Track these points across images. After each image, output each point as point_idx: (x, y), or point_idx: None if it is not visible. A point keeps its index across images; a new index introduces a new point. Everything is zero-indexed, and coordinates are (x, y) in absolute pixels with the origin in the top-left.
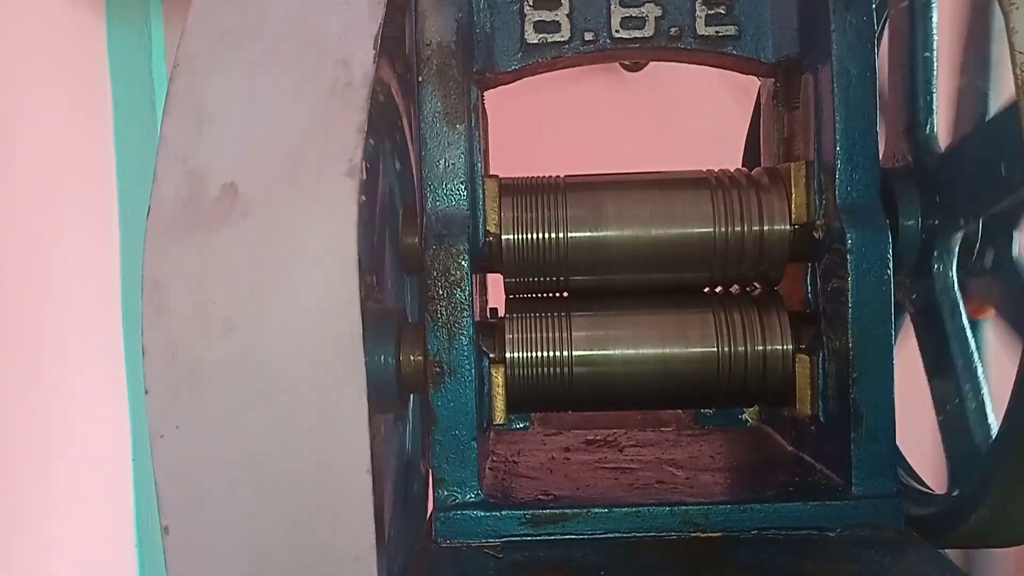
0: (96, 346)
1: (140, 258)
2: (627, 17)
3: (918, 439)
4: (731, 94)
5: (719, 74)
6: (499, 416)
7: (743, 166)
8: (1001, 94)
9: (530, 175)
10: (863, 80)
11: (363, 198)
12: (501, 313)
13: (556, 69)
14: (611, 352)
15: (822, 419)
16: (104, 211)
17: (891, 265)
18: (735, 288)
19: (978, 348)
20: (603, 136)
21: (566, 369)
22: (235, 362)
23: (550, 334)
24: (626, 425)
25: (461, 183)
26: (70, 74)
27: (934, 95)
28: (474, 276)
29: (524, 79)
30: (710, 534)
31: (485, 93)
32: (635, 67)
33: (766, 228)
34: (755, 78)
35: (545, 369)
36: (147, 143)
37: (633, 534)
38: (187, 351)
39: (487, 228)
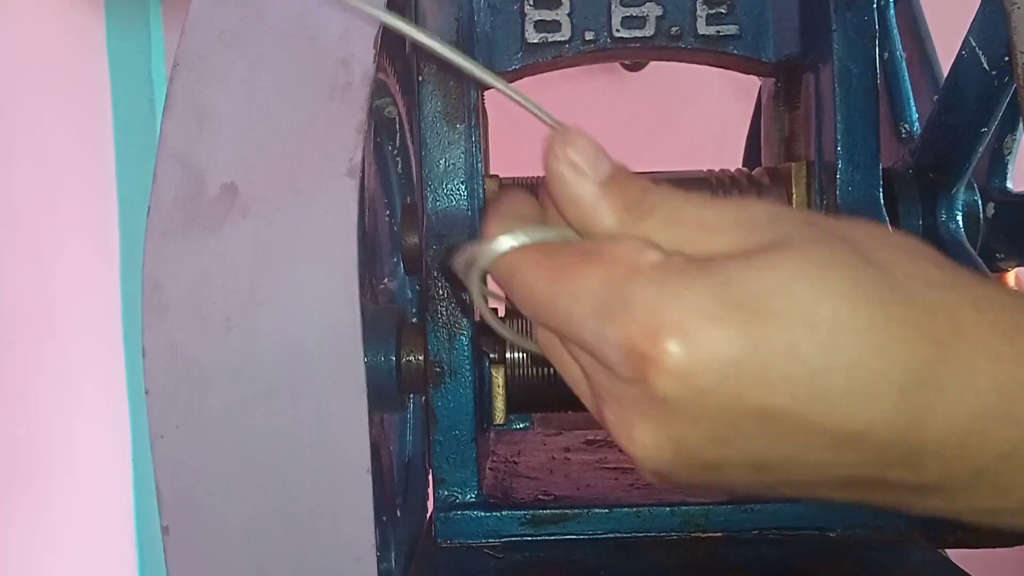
0: (96, 346)
1: (140, 258)
2: (628, 17)
3: None
4: (732, 94)
5: (720, 74)
6: (499, 416)
7: (743, 166)
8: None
9: (530, 175)
10: (864, 80)
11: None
12: (501, 313)
13: (556, 69)
14: None
15: None
16: (104, 211)
17: None
18: None
19: None
20: (603, 136)
21: None
22: (235, 362)
23: None
24: None
25: (461, 183)
26: (69, 73)
27: (909, 94)
28: None
29: (524, 79)
30: (711, 534)
31: (485, 93)
32: (635, 67)
33: None
34: (756, 78)
35: (545, 369)
36: (147, 142)
37: (634, 534)
38: (187, 351)
39: None
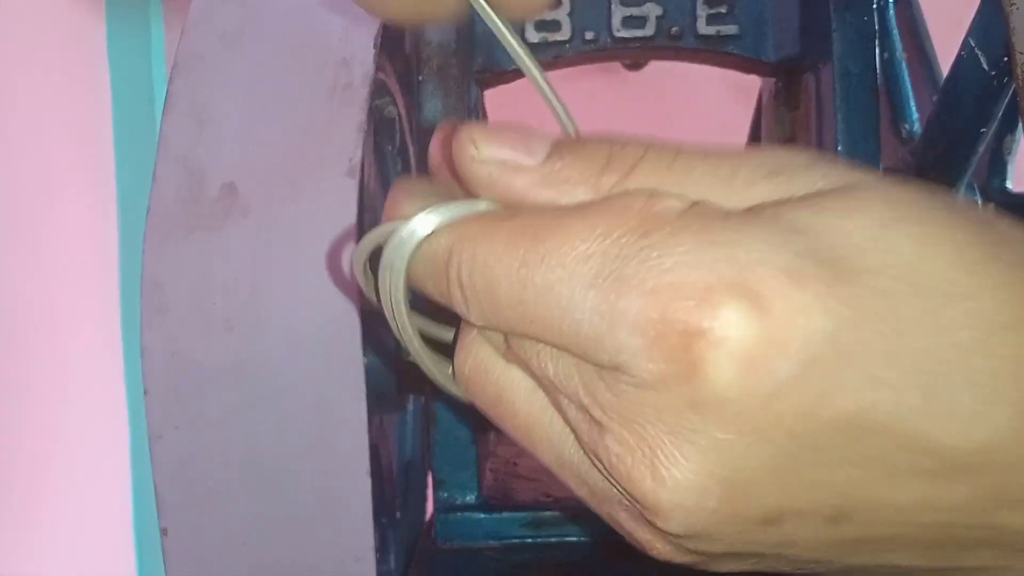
0: (95, 346)
1: (140, 258)
2: (628, 16)
3: None
4: (732, 94)
5: (720, 74)
6: None
7: None
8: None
9: None
10: (864, 80)
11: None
12: None
13: (557, 68)
14: None
15: None
16: (103, 211)
17: None
18: None
19: None
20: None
21: None
22: (235, 362)
23: None
24: None
25: None
26: (70, 73)
27: (909, 94)
28: None
29: (525, 78)
30: None
31: (485, 93)
32: (635, 66)
33: None
34: (756, 78)
35: None
36: (147, 143)
37: None
38: (187, 351)
39: None
